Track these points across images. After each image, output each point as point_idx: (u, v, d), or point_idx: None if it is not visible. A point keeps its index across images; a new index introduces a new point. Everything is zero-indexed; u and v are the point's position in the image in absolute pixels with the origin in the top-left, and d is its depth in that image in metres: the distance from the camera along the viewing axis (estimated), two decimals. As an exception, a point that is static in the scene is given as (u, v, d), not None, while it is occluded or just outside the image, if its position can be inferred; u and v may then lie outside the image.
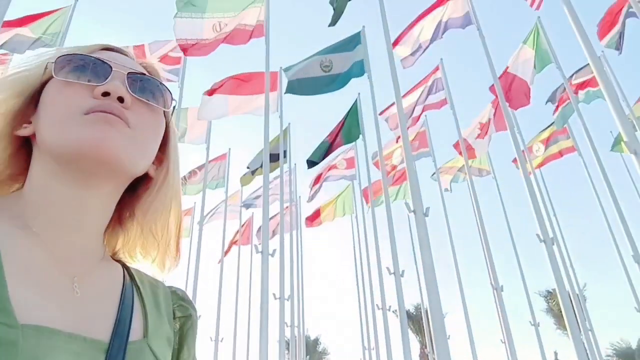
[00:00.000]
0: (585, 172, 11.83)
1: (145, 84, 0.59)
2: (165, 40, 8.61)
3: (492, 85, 8.96)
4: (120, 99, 0.55)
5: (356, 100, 9.84)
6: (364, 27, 7.90)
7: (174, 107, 0.64)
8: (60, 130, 0.52)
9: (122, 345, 0.51)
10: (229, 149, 14.40)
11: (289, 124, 11.64)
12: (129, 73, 0.58)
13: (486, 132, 11.25)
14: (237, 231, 16.71)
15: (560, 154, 12.66)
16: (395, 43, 8.46)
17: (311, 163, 9.68)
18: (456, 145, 11.60)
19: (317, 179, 13.39)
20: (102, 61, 0.57)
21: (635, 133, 5.50)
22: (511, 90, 9.77)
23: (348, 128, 9.47)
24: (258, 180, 12.76)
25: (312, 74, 7.65)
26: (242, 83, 8.71)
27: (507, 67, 10.20)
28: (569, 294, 7.49)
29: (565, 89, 10.19)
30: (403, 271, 7.48)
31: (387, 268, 7.45)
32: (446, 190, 13.71)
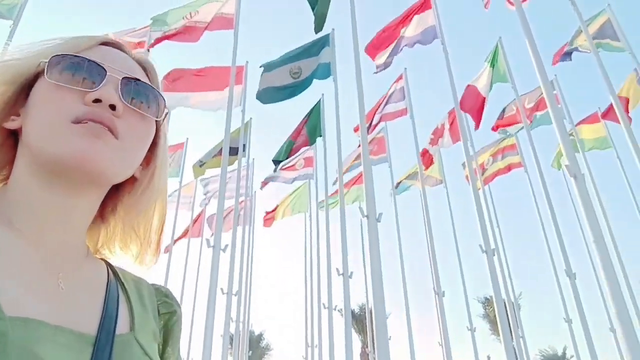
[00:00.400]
0: (530, 187, 12.50)
1: (139, 90, 0.58)
2: (131, 28, 8.35)
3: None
4: (112, 107, 0.54)
5: (319, 101, 9.92)
6: (333, 29, 7.99)
7: (166, 114, 0.63)
8: (47, 137, 0.52)
9: (109, 338, 0.51)
10: (187, 138, 14.12)
11: (251, 118, 11.56)
12: (123, 78, 0.57)
13: (440, 136, 11.63)
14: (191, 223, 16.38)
15: (509, 168, 13.28)
16: (372, 48, 8.58)
17: (277, 163, 9.66)
18: (423, 153, 11.93)
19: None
20: (97, 64, 0.56)
21: (576, 157, 5.90)
22: (470, 106, 10.17)
23: (312, 128, 9.52)
24: (210, 172, 12.59)
25: (282, 83, 7.68)
26: (203, 79, 8.59)
27: (473, 85, 10.64)
28: (505, 302, 7.90)
29: (515, 108, 10.73)
30: (352, 273, 7.64)
31: (337, 269, 7.59)
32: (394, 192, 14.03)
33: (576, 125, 12.38)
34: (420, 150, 11.58)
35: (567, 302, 11.44)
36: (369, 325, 16.63)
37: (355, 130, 10.70)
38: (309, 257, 14.95)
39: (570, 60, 10.21)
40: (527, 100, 11.34)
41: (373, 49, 8.55)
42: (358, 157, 12.27)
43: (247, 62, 8.88)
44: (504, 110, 11.70)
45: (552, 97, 5.85)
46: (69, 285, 0.54)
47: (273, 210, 15.52)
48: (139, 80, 0.59)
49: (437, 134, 11.80)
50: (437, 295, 10.24)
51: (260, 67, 7.69)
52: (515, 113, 11.01)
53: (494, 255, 7.35)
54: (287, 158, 9.66)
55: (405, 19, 8.80)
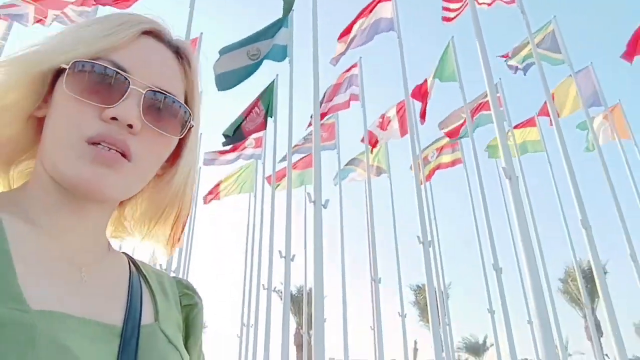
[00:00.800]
0: (467, 183, 13.12)
1: (163, 105, 0.55)
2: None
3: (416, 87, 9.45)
4: (130, 125, 0.52)
5: (273, 82, 9.81)
6: (293, 11, 7.87)
7: (191, 127, 0.60)
8: (58, 156, 0.51)
9: (135, 329, 0.52)
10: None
11: (201, 91, 11.20)
12: (148, 91, 0.54)
13: (388, 123, 11.88)
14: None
15: (452, 163, 13.87)
16: (339, 38, 8.57)
17: (227, 137, 9.47)
18: (370, 137, 12.08)
19: (223, 152, 13.17)
20: (122, 75, 0.52)
21: (512, 160, 6.26)
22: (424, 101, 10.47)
23: (266, 106, 9.41)
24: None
25: (239, 65, 7.47)
26: None
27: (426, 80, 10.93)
28: (435, 291, 8.33)
29: (463, 116, 11.17)
30: (294, 255, 7.73)
31: (279, 251, 7.65)
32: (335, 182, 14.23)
33: (514, 128, 13.10)
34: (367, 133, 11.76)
35: (492, 293, 12.20)
36: (305, 307, 16.92)
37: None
38: (251, 237, 14.93)
39: (519, 73, 10.72)
40: (472, 105, 11.80)
41: (341, 37, 8.59)
42: (306, 141, 12.31)
43: (201, 33, 8.59)
44: (449, 116, 12.13)
45: (495, 99, 6.16)
46: (92, 279, 0.54)
47: (215, 188, 15.27)
48: (165, 93, 0.56)
49: (385, 121, 12.03)
50: (373, 282, 10.60)
51: (220, 52, 7.44)
52: (462, 123, 11.44)
53: (430, 246, 7.70)
54: (233, 134, 9.50)
55: (367, 9, 8.86)
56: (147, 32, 0.58)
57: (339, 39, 8.72)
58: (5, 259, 0.45)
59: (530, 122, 13.34)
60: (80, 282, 0.52)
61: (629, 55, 9.29)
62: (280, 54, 7.39)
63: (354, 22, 8.79)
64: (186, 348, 0.63)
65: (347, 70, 11.53)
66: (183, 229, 0.67)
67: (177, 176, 0.62)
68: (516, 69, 10.67)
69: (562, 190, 12.59)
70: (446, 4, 9.35)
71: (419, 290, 33.53)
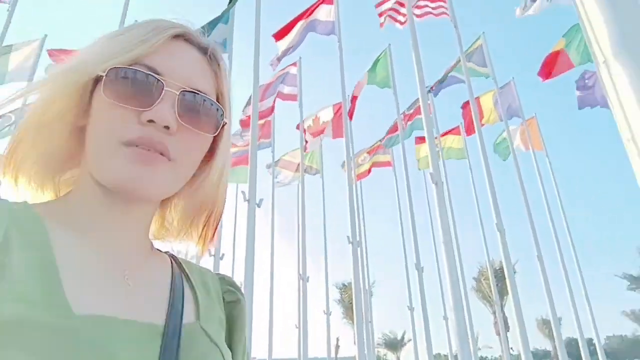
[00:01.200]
0: (395, 185, 13.65)
1: (196, 106, 0.57)
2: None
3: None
4: (166, 127, 0.53)
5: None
6: (234, 7, 7.73)
7: (224, 125, 0.62)
8: (99, 160, 0.53)
9: (176, 328, 0.53)
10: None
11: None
12: (181, 92, 0.55)
13: (322, 131, 12.05)
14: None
15: (384, 164, 14.35)
16: (278, 37, 8.52)
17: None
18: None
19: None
20: (156, 78, 0.54)
21: (439, 164, 6.61)
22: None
23: None
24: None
25: None
26: None
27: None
28: (361, 289, 8.59)
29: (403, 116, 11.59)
30: (223, 254, 7.59)
31: (209, 250, 7.46)
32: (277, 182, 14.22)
33: (440, 136, 13.83)
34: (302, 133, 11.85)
35: (413, 292, 12.81)
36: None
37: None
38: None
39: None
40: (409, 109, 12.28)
41: (279, 37, 8.55)
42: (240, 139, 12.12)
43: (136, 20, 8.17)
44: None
45: (426, 107, 6.47)
46: (135, 281, 0.55)
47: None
48: (198, 93, 0.57)
49: (316, 124, 12.16)
50: (301, 280, 10.70)
51: None
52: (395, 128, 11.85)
53: (359, 247, 7.92)
54: None
55: (308, 12, 8.91)
56: (178, 36, 0.60)
57: (276, 39, 8.70)
58: (51, 267, 0.47)
59: (455, 131, 14.15)
60: (123, 284, 0.54)
61: (543, 74, 10.14)
62: (224, 46, 7.23)
63: (293, 23, 8.80)
64: (230, 345, 0.65)
65: (283, 70, 11.52)
66: (217, 227, 0.68)
67: (211, 174, 0.64)
68: (432, 88, 11.29)
69: (481, 196, 13.51)
70: (379, 9, 9.66)
71: (344, 288, 34.31)
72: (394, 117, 11.92)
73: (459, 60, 9.58)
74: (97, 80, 0.55)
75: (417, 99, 11.04)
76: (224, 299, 0.67)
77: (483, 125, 11.29)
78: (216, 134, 0.60)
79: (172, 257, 0.67)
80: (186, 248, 0.68)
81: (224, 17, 6.68)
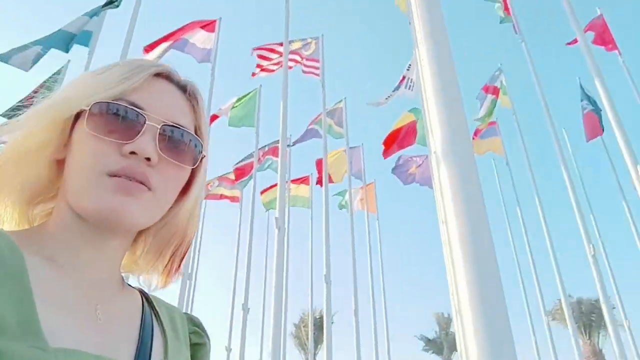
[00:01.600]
0: (239, 222, 13.57)
1: (176, 139, 0.59)
2: None
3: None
4: (148, 159, 0.55)
5: (62, 68, 8.60)
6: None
7: (202, 157, 0.63)
8: (82, 191, 0.54)
9: None
10: None
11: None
12: (162, 126, 0.57)
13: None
14: None
15: (227, 198, 14.23)
16: (148, 49, 8.13)
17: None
18: None
19: None
20: (137, 112, 0.56)
21: (285, 211, 6.86)
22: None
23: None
24: None
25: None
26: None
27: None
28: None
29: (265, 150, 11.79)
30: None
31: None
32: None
33: (292, 182, 14.41)
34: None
35: (234, 332, 12.60)
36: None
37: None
38: None
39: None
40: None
41: (150, 49, 8.16)
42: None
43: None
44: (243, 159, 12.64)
45: (285, 152, 6.77)
46: (106, 316, 0.55)
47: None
48: (178, 127, 0.59)
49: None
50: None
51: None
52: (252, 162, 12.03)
53: (189, 279, 7.63)
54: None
55: (180, 31, 8.73)
56: (159, 74, 0.62)
57: (146, 52, 8.33)
58: (28, 297, 0.47)
59: (304, 180, 14.89)
60: (95, 319, 0.54)
61: (385, 151, 11.37)
62: (85, 39, 6.60)
63: (163, 40, 8.53)
64: None
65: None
66: (184, 259, 0.69)
67: (184, 206, 0.65)
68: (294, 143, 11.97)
69: (316, 246, 14.24)
70: (259, 61, 9.95)
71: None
72: (246, 152, 12.17)
73: (320, 115, 10.31)
74: (78, 114, 0.57)
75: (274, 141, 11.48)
76: (190, 339, 0.68)
77: (332, 182, 12.12)
78: (195, 166, 0.62)
79: (142, 293, 0.67)
80: (150, 280, 0.69)
81: (97, 10, 6.24)
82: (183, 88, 0.64)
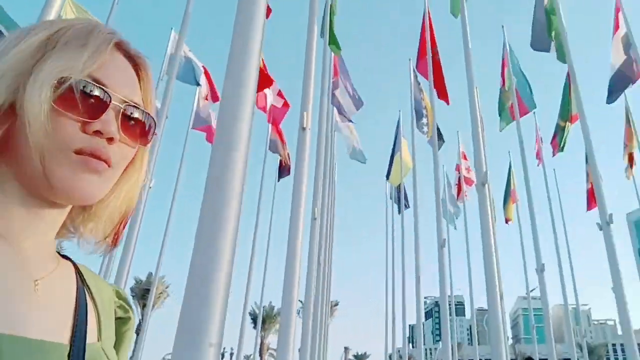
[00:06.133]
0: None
1: (136, 119, 0.59)
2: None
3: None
4: (110, 139, 0.55)
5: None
6: None
7: (153, 138, 0.64)
8: (50, 166, 0.52)
9: (80, 350, 0.53)
10: None
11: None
12: (125, 105, 0.58)
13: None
14: None
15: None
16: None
17: None
18: None
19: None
20: (104, 91, 0.55)
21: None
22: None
23: None
24: None
25: None
26: None
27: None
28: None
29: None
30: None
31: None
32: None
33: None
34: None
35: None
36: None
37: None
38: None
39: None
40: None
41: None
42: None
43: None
44: None
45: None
46: (44, 292, 0.54)
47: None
48: (138, 107, 0.60)
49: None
50: None
51: None
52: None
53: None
54: None
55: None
56: (120, 48, 0.61)
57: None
58: None
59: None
60: (33, 295, 0.52)
61: None
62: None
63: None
64: None
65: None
66: (124, 226, 0.68)
67: (134, 177, 0.65)
68: None
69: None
70: None
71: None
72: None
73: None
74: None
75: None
76: (115, 312, 0.67)
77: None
78: (149, 145, 0.64)
79: (73, 263, 0.65)
80: (90, 246, 0.65)
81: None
82: (133, 60, 0.63)
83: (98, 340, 0.59)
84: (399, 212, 14.20)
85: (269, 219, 12.58)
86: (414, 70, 10.22)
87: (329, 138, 7.03)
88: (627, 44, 7.57)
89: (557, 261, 13.23)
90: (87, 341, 0.55)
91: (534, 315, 15.53)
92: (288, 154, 11.76)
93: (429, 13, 9.20)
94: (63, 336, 0.53)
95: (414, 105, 10.26)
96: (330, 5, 6.95)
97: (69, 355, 0.51)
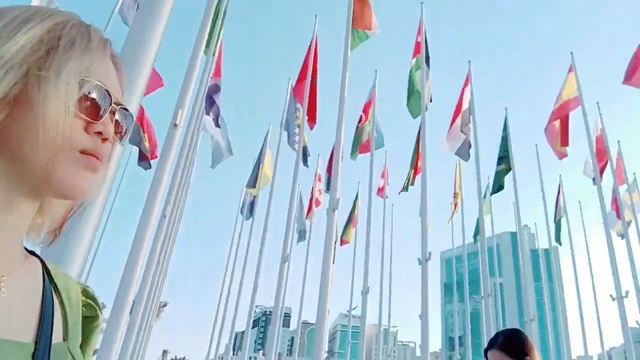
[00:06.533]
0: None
1: (126, 121, 0.62)
2: None
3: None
4: (105, 139, 0.56)
5: None
6: None
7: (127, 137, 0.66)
8: (56, 164, 0.52)
9: (46, 349, 0.52)
10: None
11: None
12: (119, 108, 0.60)
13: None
14: None
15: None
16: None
17: None
18: None
19: None
20: (107, 93, 0.57)
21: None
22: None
23: None
24: None
25: None
26: None
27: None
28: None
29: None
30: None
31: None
32: None
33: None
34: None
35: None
36: None
37: None
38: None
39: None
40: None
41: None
42: None
43: None
44: None
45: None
46: (10, 289, 0.52)
47: None
48: (126, 109, 0.62)
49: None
50: None
51: None
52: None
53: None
54: None
55: None
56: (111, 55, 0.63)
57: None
58: None
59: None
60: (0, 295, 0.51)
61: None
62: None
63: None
64: None
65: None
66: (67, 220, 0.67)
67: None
68: None
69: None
70: None
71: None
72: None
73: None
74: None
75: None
76: (82, 311, 0.66)
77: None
78: (126, 143, 0.67)
79: (41, 261, 0.63)
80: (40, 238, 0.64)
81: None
82: (113, 59, 0.63)
83: (64, 340, 0.58)
84: (247, 218, 14.51)
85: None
86: (292, 89, 10.62)
87: (194, 136, 6.92)
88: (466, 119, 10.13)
89: (380, 285, 15.11)
90: (53, 340, 0.54)
91: (352, 332, 16.80)
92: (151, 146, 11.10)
93: (316, 39, 9.66)
94: (28, 335, 0.52)
95: (287, 122, 10.64)
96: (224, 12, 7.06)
97: (33, 355, 0.50)
